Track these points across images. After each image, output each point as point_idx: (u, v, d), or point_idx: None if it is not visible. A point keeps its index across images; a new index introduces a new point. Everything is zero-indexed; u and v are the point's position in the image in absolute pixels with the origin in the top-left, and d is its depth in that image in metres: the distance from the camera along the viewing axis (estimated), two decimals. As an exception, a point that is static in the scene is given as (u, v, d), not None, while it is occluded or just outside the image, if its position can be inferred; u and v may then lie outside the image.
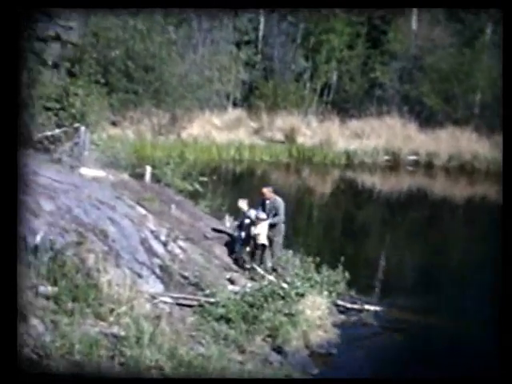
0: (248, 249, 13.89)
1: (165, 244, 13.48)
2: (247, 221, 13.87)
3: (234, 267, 13.63)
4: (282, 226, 13.77)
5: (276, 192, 14.13)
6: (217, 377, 8.51)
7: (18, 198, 6.66)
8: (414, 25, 41.08)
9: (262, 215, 13.58)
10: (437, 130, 36.01)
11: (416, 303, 13.63)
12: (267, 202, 13.74)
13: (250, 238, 13.70)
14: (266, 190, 13.85)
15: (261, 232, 13.47)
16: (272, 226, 13.57)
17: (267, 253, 13.61)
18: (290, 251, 14.67)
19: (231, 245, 14.36)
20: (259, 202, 13.97)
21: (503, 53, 7.79)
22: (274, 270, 13.55)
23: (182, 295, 11.34)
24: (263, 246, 13.56)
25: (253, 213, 13.79)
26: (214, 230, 15.17)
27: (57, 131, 18.83)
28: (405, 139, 35.56)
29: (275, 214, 13.61)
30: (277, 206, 13.67)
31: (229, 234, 14.92)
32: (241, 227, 14.17)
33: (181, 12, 34.70)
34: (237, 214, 15.01)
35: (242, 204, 14.18)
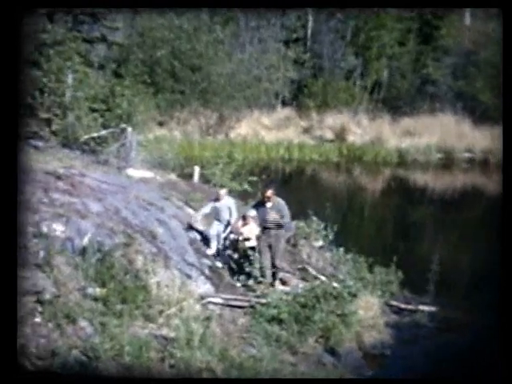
0: (230, 251, 13.09)
1: (214, 244, 13.37)
2: (230, 217, 13.12)
3: (286, 267, 13.32)
4: (283, 232, 12.51)
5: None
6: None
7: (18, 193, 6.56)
8: (468, 19, 40.27)
9: (252, 212, 12.66)
10: (492, 127, 35.11)
11: (471, 303, 13.19)
12: (268, 204, 12.31)
13: (237, 240, 12.87)
14: (270, 193, 12.34)
15: (252, 234, 12.75)
16: (276, 228, 12.36)
17: (265, 257, 12.31)
18: (342, 250, 14.41)
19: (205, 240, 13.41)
20: (256, 205, 12.66)
21: (503, 52, 7.39)
22: (273, 276, 12.43)
23: (233, 296, 11.20)
24: (253, 248, 12.56)
25: (231, 202, 13.07)
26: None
27: (103, 132, 18.93)
28: (458, 136, 34.90)
29: (282, 217, 12.32)
30: (281, 208, 12.33)
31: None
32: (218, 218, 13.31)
33: (227, 11, 34.65)
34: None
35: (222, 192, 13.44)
